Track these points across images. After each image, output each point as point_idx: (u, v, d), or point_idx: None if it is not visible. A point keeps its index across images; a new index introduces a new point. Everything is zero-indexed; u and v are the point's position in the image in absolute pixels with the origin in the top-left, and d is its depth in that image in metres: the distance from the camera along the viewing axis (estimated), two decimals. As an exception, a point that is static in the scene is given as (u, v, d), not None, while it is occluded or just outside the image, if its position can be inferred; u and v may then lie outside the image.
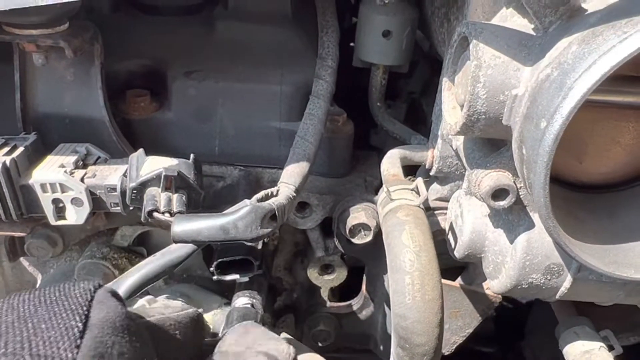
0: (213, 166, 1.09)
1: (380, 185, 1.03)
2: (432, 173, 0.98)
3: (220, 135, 1.07)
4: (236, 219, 0.76)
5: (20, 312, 0.51)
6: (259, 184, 1.10)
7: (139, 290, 0.79)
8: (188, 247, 0.80)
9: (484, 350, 1.79)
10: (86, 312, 0.51)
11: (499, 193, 0.75)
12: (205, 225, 0.76)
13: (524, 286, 0.82)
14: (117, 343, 0.51)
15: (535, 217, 0.79)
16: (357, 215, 1.00)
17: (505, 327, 1.86)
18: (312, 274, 1.16)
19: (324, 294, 1.19)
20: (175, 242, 0.77)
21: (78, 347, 0.48)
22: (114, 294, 0.57)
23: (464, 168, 0.94)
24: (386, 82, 1.13)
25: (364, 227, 1.00)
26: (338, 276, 1.16)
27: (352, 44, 1.16)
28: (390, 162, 0.95)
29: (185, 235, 0.76)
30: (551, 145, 0.57)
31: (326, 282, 1.16)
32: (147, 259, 0.80)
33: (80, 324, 0.50)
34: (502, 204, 0.75)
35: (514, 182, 0.75)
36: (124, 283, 0.78)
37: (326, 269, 1.16)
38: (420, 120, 1.30)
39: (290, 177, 0.89)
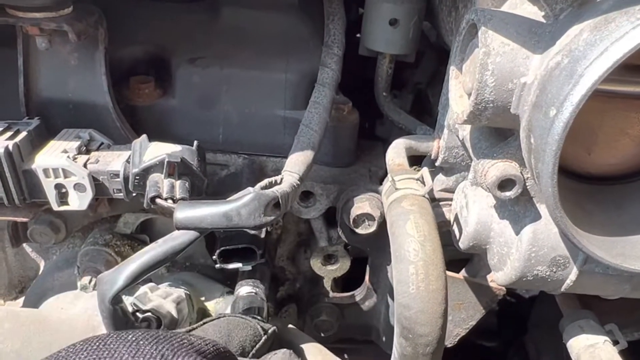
0: (217, 154, 1.08)
1: (385, 175, 1.03)
2: (437, 163, 0.97)
3: (224, 123, 1.07)
4: (239, 206, 0.75)
5: None
6: (263, 173, 1.09)
7: (141, 276, 0.78)
8: (191, 234, 0.79)
9: (486, 344, 1.79)
10: None
11: (505, 183, 0.74)
12: (208, 212, 0.75)
13: (529, 278, 0.81)
14: None
15: (542, 208, 0.79)
16: (361, 205, 1.00)
17: (508, 322, 1.85)
18: (315, 264, 1.16)
19: (327, 284, 1.18)
20: (178, 228, 0.76)
21: None
22: None
23: (470, 159, 0.93)
24: (392, 71, 1.12)
25: (368, 217, 1.00)
26: (341, 266, 1.15)
27: (357, 35, 1.15)
28: (396, 152, 0.94)
29: (187, 222, 0.75)
30: (560, 134, 0.56)
31: (329, 272, 1.16)
32: (150, 245, 0.80)
33: None
34: (509, 194, 0.74)
35: (521, 172, 0.74)
36: (126, 269, 0.78)
37: (329, 259, 1.16)
38: (426, 111, 1.29)
39: (294, 166, 0.88)
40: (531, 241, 0.78)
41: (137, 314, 0.89)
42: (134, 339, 0.52)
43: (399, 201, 0.80)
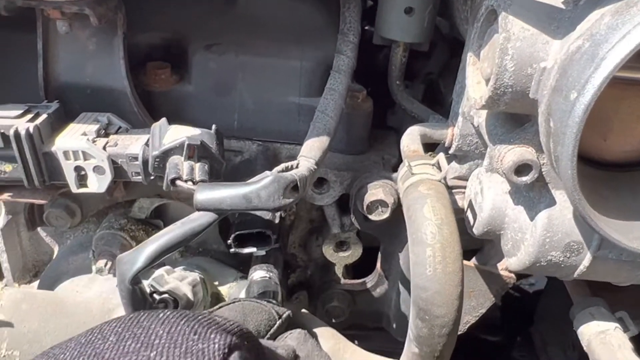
0: (231, 140, 1.09)
1: (398, 163, 1.03)
2: (451, 151, 0.97)
3: (240, 110, 1.08)
4: (259, 188, 0.76)
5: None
6: (277, 160, 1.10)
7: (160, 257, 0.79)
8: (209, 216, 0.81)
9: (490, 339, 1.80)
10: None
11: (522, 168, 0.75)
12: (228, 193, 0.76)
13: (542, 264, 0.82)
14: None
15: (557, 194, 0.79)
16: (375, 191, 1.01)
17: (512, 317, 1.87)
18: (328, 251, 1.17)
19: (339, 271, 1.19)
20: (198, 210, 0.77)
21: None
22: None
23: (484, 147, 0.94)
24: (406, 60, 1.12)
25: (382, 203, 1.01)
26: (353, 253, 1.16)
27: (366, 28, 1.16)
28: (411, 139, 0.95)
29: (207, 203, 0.76)
30: (581, 116, 0.57)
31: (341, 259, 1.17)
32: (168, 227, 0.81)
33: None
34: (525, 179, 0.75)
35: (537, 157, 0.75)
36: (146, 250, 0.79)
37: (341, 245, 1.17)
38: (437, 101, 1.29)
39: (310, 151, 0.89)
40: (545, 227, 0.79)
41: (155, 295, 0.90)
42: (165, 316, 0.53)
43: (415, 186, 0.81)
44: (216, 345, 0.50)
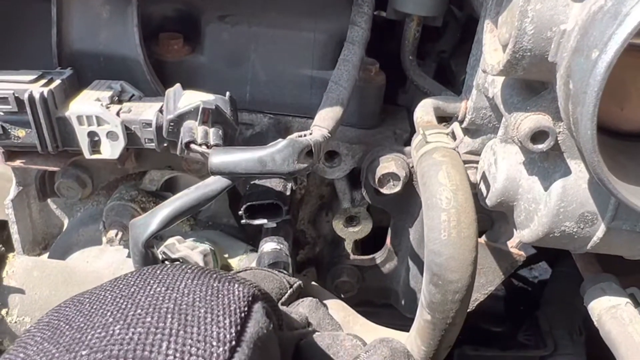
0: (243, 113, 1.08)
1: (410, 138, 1.03)
2: (464, 125, 0.97)
3: (252, 82, 1.07)
4: (274, 152, 0.76)
5: (179, 299, 0.48)
6: (289, 133, 1.08)
7: (174, 221, 0.79)
8: (223, 182, 0.81)
9: (493, 329, 1.81)
10: (241, 323, 0.48)
11: (538, 136, 0.74)
12: (243, 157, 0.76)
13: (555, 235, 0.82)
14: None
15: (572, 164, 0.79)
16: (387, 165, 1.00)
17: (516, 307, 1.87)
18: (337, 226, 1.16)
19: (348, 246, 1.19)
20: (212, 173, 0.77)
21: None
22: (268, 312, 0.54)
23: (498, 120, 0.94)
24: (419, 35, 1.12)
25: (393, 176, 1.00)
26: (363, 229, 1.16)
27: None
28: (424, 111, 0.95)
29: (222, 167, 0.76)
30: (603, 74, 0.57)
31: (351, 234, 1.17)
32: (183, 192, 0.81)
33: (234, 335, 0.46)
34: (541, 147, 0.75)
35: (554, 125, 0.74)
36: (160, 213, 0.79)
37: (351, 221, 1.16)
38: (449, 81, 1.29)
39: (323, 121, 0.89)
40: (560, 196, 0.79)
41: (166, 262, 0.91)
42: (187, 267, 0.53)
43: (430, 153, 0.81)
44: (241, 293, 0.50)
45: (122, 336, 0.43)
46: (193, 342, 0.43)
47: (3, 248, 1.11)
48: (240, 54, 1.06)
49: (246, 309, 0.49)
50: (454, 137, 0.86)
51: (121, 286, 0.50)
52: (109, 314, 0.46)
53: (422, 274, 1.12)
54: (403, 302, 1.20)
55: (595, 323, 0.95)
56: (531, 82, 0.79)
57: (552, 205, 0.79)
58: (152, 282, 0.50)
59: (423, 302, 0.79)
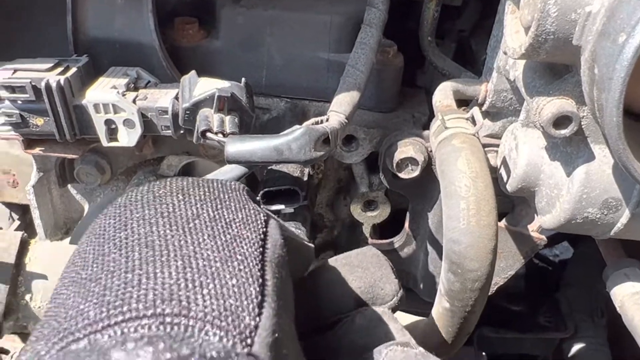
0: (259, 97, 1.08)
1: (429, 122, 1.01)
2: (484, 108, 0.95)
3: (268, 66, 1.06)
4: (290, 140, 0.75)
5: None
6: (305, 117, 1.09)
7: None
8: (240, 169, 0.80)
9: (512, 308, 1.79)
10: (263, 238, 0.47)
11: (561, 121, 0.72)
12: (259, 146, 0.75)
13: (578, 221, 0.81)
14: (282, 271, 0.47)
15: (596, 149, 0.77)
16: (405, 149, 0.99)
17: (536, 286, 1.85)
18: (355, 210, 1.16)
19: (366, 230, 1.19)
20: (229, 162, 0.77)
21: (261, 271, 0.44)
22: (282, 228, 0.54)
23: (519, 103, 0.92)
24: (438, 15, 1.09)
25: (412, 161, 0.99)
26: (381, 213, 1.15)
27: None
28: (443, 94, 0.93)
29: (238, 156, 0.76)
30: (630, 60, 0.55)
31: (369, 218, 1.16)
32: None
33: (259, 249, 0.46)
34: (564, 132, 0.73)
35: (577, 110, 0.72)
36: (177, 202, 0.79)
37: (369, 205, 1.16)
38: (468, 61, 1.26)
39: (340, 106, 0.88)
40: (583, 182, 0.77)
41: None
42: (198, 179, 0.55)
43: (449, 139, 0.79)
44: (256, 211, 0.50)
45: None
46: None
47: (25, 234, 1.13)
48: (256, 38, 1.05)
49: (264, 225, 0.49)
50: (473, 122, 0.84)
51: (134, 200, 0.49)
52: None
53: (441, 258, 1.11)
54: (422, 286, 1.20)
55: (617, 309, 0.94)
56: (554, 65, 0.77)
57: (574, 191, 0.78)
58: (164, 193, 0.50)
59: (442, 290, 0.78)
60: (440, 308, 0.79)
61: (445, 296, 0.77)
